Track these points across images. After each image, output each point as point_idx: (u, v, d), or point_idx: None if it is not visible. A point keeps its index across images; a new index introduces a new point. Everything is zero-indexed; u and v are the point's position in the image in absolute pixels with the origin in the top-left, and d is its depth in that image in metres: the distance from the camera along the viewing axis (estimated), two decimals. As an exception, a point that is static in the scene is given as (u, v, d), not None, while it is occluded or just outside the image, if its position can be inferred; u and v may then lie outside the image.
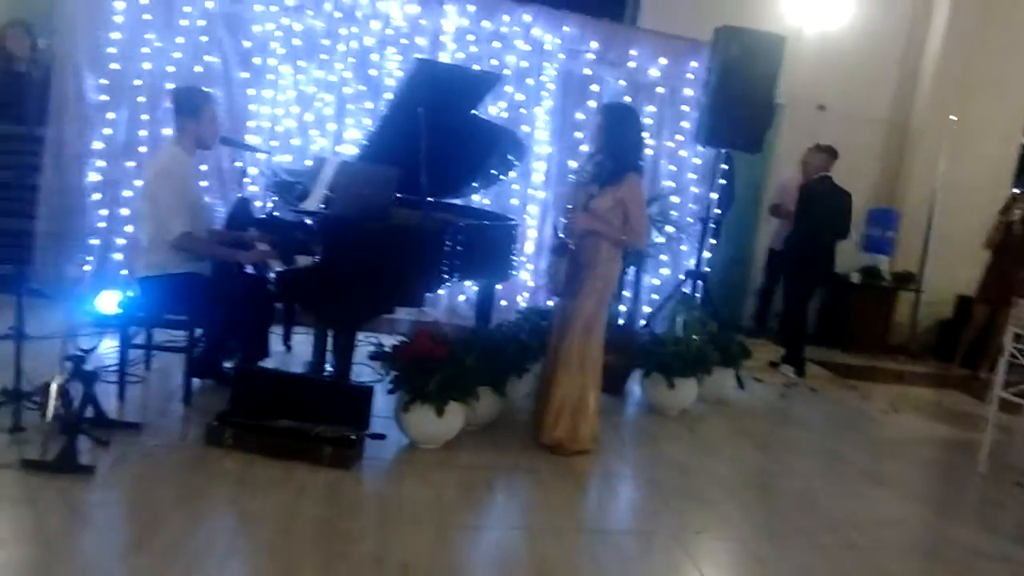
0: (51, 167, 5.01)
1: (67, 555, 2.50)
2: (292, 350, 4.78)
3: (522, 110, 5.73)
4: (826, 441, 4.69)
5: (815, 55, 7.15)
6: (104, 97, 5.08)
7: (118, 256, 5.20)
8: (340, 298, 3.60)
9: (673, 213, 5.93)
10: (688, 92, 6.03)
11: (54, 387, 3.12)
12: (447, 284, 4.02)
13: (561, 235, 3.83)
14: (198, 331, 3.91)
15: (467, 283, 5.43)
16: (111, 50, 5.04)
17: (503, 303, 5.58)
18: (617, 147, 3.73)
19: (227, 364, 4.16)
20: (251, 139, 5.15)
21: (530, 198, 5.90)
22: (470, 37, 5.57)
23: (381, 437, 3.53)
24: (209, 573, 2.48)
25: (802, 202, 6.13)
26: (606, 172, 3.74)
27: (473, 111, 4.39)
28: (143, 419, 3.53)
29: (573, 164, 5.80)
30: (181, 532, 2.69)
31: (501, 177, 4.85)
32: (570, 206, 3.88)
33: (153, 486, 3.00)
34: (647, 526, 3.28)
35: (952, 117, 7.30)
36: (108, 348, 3.88)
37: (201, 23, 5.16)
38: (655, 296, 5.99)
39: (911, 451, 4.82)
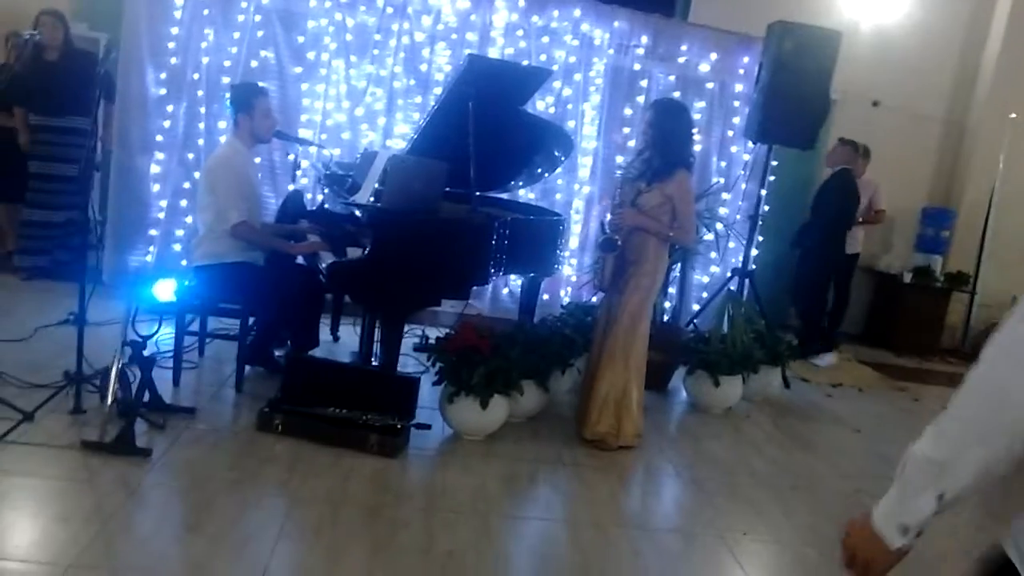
0: (115, 159, 5.18)
1: (124, 534, 2.59)
2: (340, 340, 4.87)
3: (569, 105, 5.73)
4: (874, 443, 4.61)
5: (871, 50, 7.00)
6: (163, 91, 5.23)
7: (177, 247, 5.35)
8: (388, 290, 3.65)
9: (723, 210, 5.87)
10: (739, 87, 5.97)
11: (114, 371, 3.25)
12: (493, 277, 4.05)
13: (608, 231, 3.83)
14: (250, 319, 4.00)
15: (512, 277, 5.46)
16: (171, 45, 5.18)
17: (546, 297, 5.59)
18: (666, 143, 3.72)
19: (277, 352, 4.26)
20: (303, 133, 5.25)
21: (576, 193, 5.89)
22: (519, 32, 5.58)
23: (427, 427, 3.58)
24: (260, 555, 2.56)
25: (818, 191, 6.31)
26: (655, 168, 3.73)
27: (522, 106, 4.41)
28: (197, 404, 3.65)
29: (620, 160, 5.78)
30: (233, 514, 2.78)
31: (546, 175, 4.88)
32: (617, 202, 3.87)
33: (206, 469, 3.09)
34: (690, 524, 3.27)
35: (1012, 115, 7.08)
36: (164, 334, 4.00)
37: (257, 18, 5.27)
38: (704, 294, 5.95)
39: (963, 457, 4.70)
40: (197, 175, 5.23)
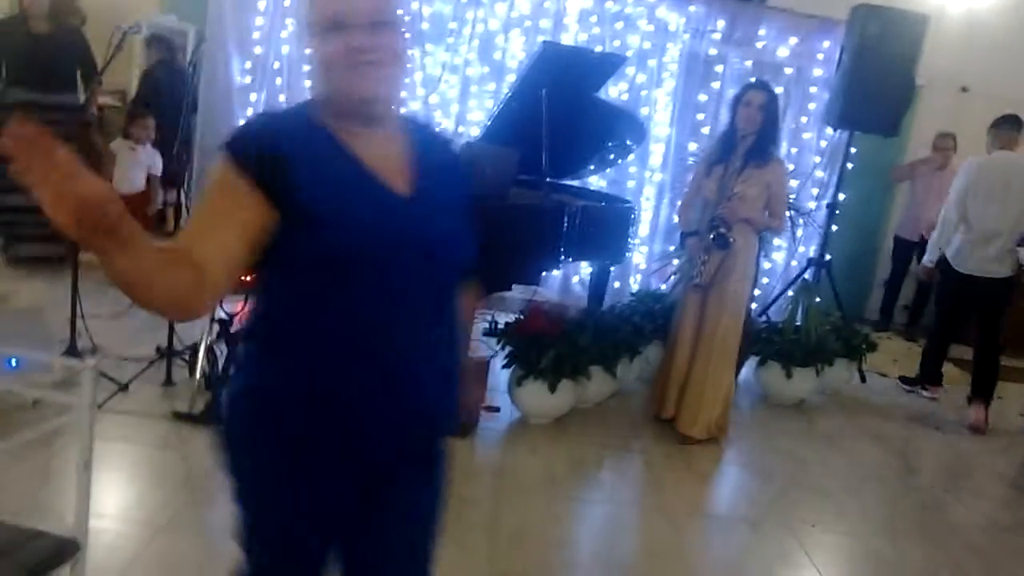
0: (198, 146, 5.40)
1: (212, 501, 2.74)
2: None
3: (643, 92, 5.69)
4: (953, 441, 4.46)
5: (959, 34, 6.70)
6: (248, 79, 5.42)
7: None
8: (460, 274, 3.72)
9: (791, 196, 5.74)
10: (817, 72, 5.81)
11: (202, 347, 3.42)
12: (562, 263, 4.08)
13: (717, 226, 3.64)
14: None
15: (582, 265, 5.47)
16: (255, 35, 5.36)
17: (616, 285, 5.59)
18: (773, 128, 3.69)
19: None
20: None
21: (647, 180, 5.86)
22: (593, 18, 5.56)
23: (496, 409, 3.65)
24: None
25: None
26: (755, 153, 3.64)
27: (595, 93, 4.42)
28: (277, 380, 3.80)
29: (693, 147, 5.72)
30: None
31: (619, 161, 4.86)
32: (693, 189, 3.82)
33: (287, 442, 3.23)
34: (759, 514, 3.25)
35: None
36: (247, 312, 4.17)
37: (336, 8, 5.39)
38: (765, 280, 5.83)
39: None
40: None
